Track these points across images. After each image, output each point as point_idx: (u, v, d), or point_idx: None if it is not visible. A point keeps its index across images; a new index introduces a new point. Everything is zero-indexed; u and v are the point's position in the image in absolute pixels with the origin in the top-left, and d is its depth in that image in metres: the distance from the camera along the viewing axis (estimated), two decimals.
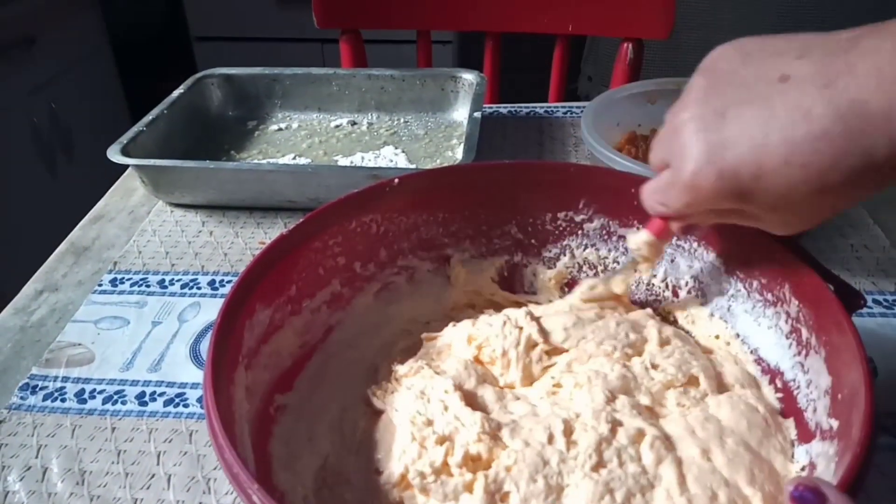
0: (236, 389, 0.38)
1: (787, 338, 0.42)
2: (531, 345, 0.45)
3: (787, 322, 0.42)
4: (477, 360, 0.46)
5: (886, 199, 0.68)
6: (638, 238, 0.46)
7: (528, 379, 0.45)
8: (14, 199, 1.54)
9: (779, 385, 0.43)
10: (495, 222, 0.53)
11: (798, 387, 0.41)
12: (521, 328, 0.46)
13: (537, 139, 0.83)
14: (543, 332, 0.46)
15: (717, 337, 0.48)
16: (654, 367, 0.44)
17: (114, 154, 0.68)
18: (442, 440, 0.39)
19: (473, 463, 0.38)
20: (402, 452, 0.39)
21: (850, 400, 0.34)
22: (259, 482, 0.30)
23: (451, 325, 0.49)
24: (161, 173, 0.69)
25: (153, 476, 0.44)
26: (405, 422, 0.41)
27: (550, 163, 0.52)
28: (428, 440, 0.39)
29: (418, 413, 0.41)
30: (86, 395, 0.51)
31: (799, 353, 0.41)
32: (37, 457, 0.46)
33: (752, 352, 0.45)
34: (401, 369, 0.45)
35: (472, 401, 0.42)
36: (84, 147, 1.77)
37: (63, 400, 0.50)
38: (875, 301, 0.56)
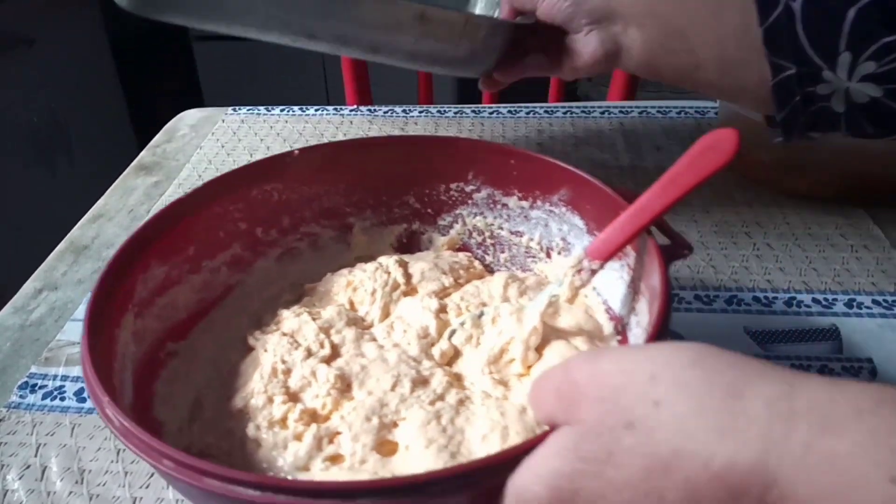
0: (121, 332, 0.41)
1: (628, 287, 0.46)
2: (395, 286, 0.51)
3: (628, 273, 0.46)
4: (351, 301, 0.51)
5: (887, 200, 0.68)
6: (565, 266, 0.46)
7: (385, 314, 0.50)
8: (14, 198, 1.54)
9: (619, 328, 0.47)
10: (395, 193, 0.57)
11: (630, 328, 0.45)
12: (389, 273, 0.52)
13: (537, 139, 0.83)
14: (407, 276, 0.52)
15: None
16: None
17: None
18: (287, 400, 0.42)
19: (311, 417, 0.41)
20: (252, 394, 0.43)
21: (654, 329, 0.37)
22: (137, 414, 0.31)
23: (328, 274, 0.54)
24: None
25: (152, 475, 0.44)
26: (268, 364, 0.44)
27: (443, 137, 0.59)
28: (276, 396, 0.42)
29: (282, 360, 0.44)
30: (85, 394, 0.51)
31: (633, 299, 0.45)
32: (36, 455, 0.46)
33: (603, 302, 0.49)
34: (284, 313, 0.49)
35: (334, 346, 0.46)
36: (84, 147, 1.77)
37: (62, 399, 0.50)
38: (875, 301, 0.56)
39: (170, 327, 0.46)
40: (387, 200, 0.57)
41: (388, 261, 0.53)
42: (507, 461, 0.29)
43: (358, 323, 0.49)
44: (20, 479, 0.44)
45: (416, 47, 0.52)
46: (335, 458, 0.39)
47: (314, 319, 0.48)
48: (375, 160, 0.55)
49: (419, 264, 0.53)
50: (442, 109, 0.90)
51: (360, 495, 0.29)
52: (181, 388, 0.44)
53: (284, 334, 0.47)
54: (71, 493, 0.43)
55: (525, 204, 0.55)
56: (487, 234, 0.57)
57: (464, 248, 0.58)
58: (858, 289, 0.58)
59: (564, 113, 0.89)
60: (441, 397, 0.41)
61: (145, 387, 0.42)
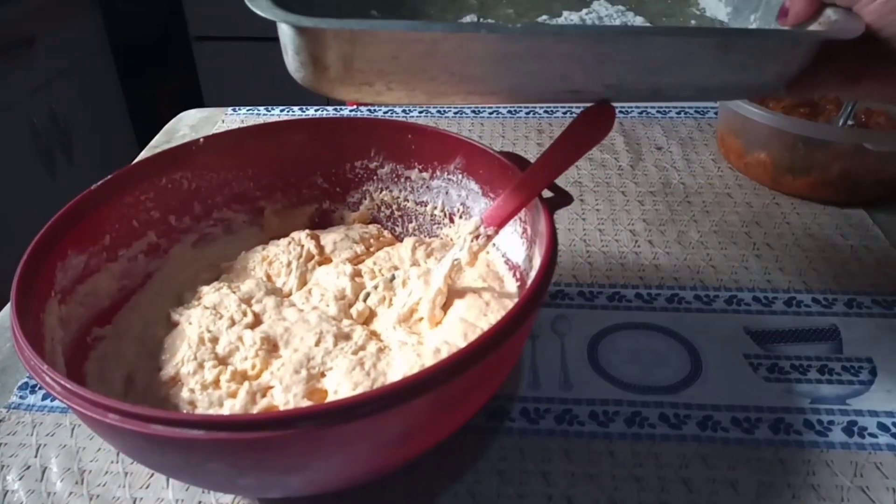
0: (47, 317, 0.42)
1: (521, 238, 0.50)
2: (309, 257, 0.54)
3: (521, 226, 0.50)
4: (267, 275, 0.53)
5: (886, 200, 0.68)
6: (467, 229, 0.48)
7: (302, 283, 0.53)
8: (14, 199, 1.54)
9: (518, 276, 0.50)
10: (302, 174, 0.59)
11: (527, 273, 0.48)
12: (302, 245, 0.55)
13: (537, 139, 0.83)
14: (320, 247, 0.55)
15: None
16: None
17: (267, 9, 0.35)
18: (217, 364, 0.44)
19: (242, 377, 0.43)
20: (182, 362, 0.44)
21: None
22: None
23: (243, 252, 0.56)
24: (364, 43, 0.35)
25: (152, 475, 0.44)
26: (194, 334, 0.46)
27: (341, 118, 0.60)
28: (207, 362, 0.44)
29: (207, 330, 0.46)
30: None
31: (526, 247, 0.49)
32: (36, 456, 0.46)
33: (503, 255, 0.53)
34: (204, 289, 0.51)
35: (256, 314, 0.48)
36: (84, 147, 1.77)
37: None
38: (875, 301, 0.56)
39: (94, 314, 0.48)
40: (295, 182, 0.59)
41: (300, 234, 0.56)
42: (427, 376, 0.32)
43: (277, 293, 0.51)
44: (20, 479, 0.44)
45: (707, 82, 0.42)
46: (270, 410, 0.41)
47: (234, 292, 0.50)
48: (280, 144, 0.57)
49: (331, 236, 0.57)
50: (442, 110, 0.90)
51: (298, 421, 0.30)
52: (112, 367, 0.45)
53: (206, 307, 0.49)
54: (71, 493, 0.43)
55: (426, 175, 0.58)
56: (395, 206, 0.60)
57: (374, 221, 0.61)
58: (858, 289, 0.58)
59: (564, 113, 0.89)
60: (362, 347, 0.45)
61: (76, 368, 0.44)
